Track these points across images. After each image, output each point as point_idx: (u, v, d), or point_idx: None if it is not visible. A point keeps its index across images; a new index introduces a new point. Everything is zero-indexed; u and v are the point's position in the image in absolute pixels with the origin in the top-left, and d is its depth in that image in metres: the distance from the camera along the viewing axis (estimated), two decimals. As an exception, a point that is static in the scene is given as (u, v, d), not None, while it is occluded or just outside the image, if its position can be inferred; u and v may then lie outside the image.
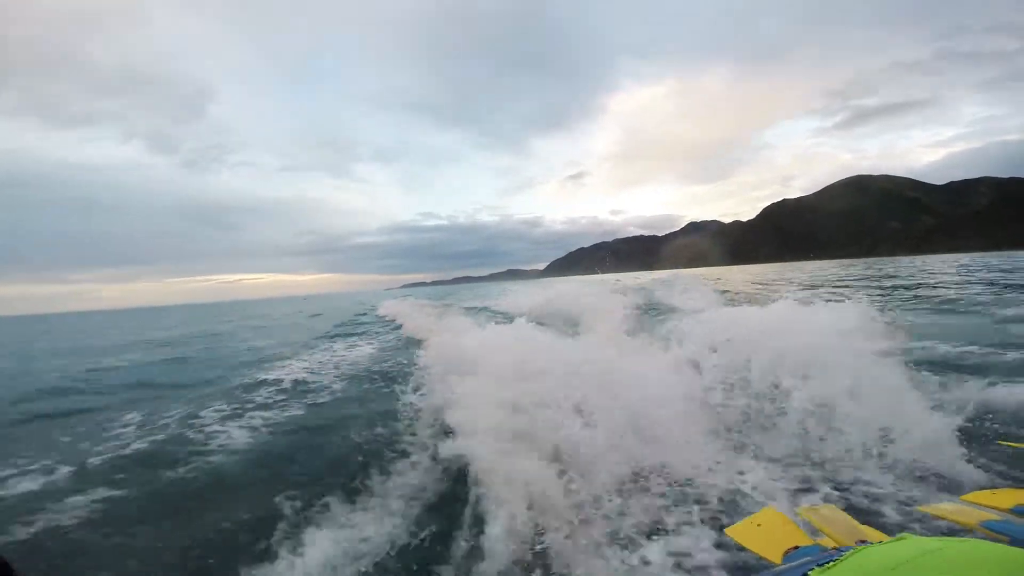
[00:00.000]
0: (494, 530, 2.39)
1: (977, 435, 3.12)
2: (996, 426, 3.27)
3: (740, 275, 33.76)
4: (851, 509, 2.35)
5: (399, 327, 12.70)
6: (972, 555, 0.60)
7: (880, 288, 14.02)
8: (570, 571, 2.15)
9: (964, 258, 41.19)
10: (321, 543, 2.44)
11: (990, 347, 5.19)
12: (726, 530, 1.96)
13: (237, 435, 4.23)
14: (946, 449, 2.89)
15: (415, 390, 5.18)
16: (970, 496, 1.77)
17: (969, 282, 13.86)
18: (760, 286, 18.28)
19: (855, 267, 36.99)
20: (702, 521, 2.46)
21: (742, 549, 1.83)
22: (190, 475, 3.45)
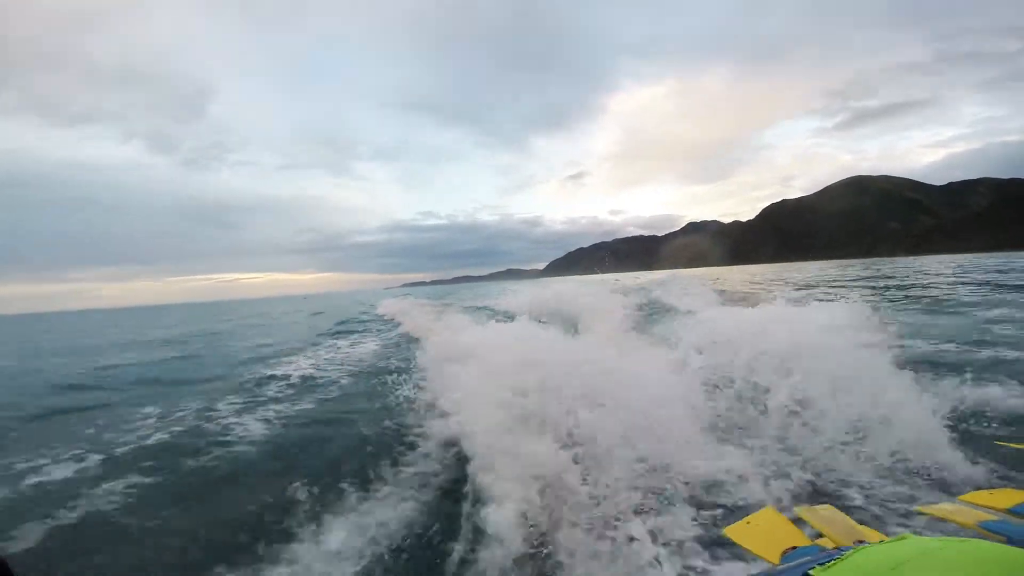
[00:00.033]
0: (502, 514, 2.49)
1: (974, 436, 3.14)
2: (986, 424, 3.34)
3: (738, 275, 33.96)
4: (849, 509, 2.36)
5: (400, 326, 12.89)
6: (973, 555, 0.60)
7: (873, 288, 14.25)
8: (565, 562, 2.21)
9: (961, 259, 41.34)
10: (340, 526, 2.62)
11: (966, 345, 5.42)
12: (724, 530, 1.96)
13: (253, 427, 4.46)
14: (943, 449, 2.91)
15: (418, 384, 5.38)
16: (967, 496, 1.77)
17: (963, 283, 14.07)
18: (757, 286, 18.49)
19: (853, 267, 37.21)
20: (699, 521, 2.47)
21: (740, 549, 1.83)
22: (212, 463, 3.67)
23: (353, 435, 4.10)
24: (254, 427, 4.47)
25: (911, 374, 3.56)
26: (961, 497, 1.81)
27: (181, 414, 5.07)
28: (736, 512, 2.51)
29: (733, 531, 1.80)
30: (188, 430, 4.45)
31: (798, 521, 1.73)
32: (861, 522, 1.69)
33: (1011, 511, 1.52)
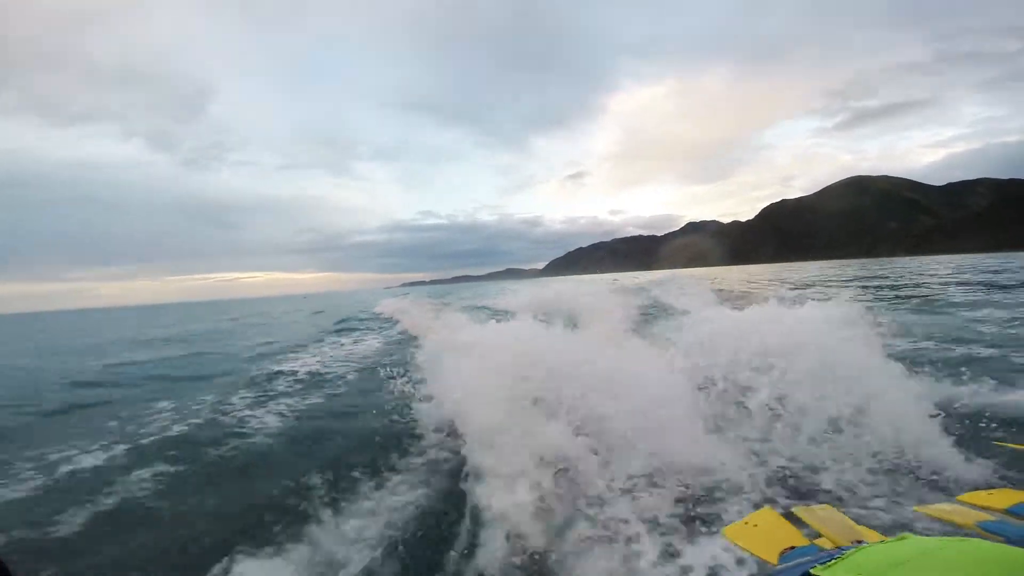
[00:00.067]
0: (513, 498, 2.65)
1: (972, 436, 3.17)
2: (968, 421, 3.35)
3: (737, 275, 34.19)
4: (846, 509, 2.35)
5: (400, 324, 13.10)
6: (973, 555, 0.60)
7: (865, 288, 14.50)
8: (567, 562, 2.26)
9: (960, 259, 41.51)
10: (356, 511, 2.81)
11: (945, 344, 5.66)
12: (722, 530, 1.94)
13: (267, 419, 4.70)
14: (941, 449, 2.92)
15: (419, 379, 5.54)
16: (966, 496, 1.77)
17: (957, 283, 14.31)
18: (753, 286, 18.73)
19: (851, 267, 37.43)
20: (697, 521, 2.49)
21: (739, 550, 1.82)
22: (231, 453, 3.91)
23: (362, 427, 4.34)
24: (268, 419, 4.71)
25: (906, 372, 3.57)
26: (959, 497, 1.79)
27: (197, 407, 5.31)
28: (734, 512, 2.52)
29: (731, 531, 1.79)
30: (206, 422, 4.68)
31: (796, 521, 1.71)
32: (859, 522, 1.70)
33: (1009, 511, 1.52)
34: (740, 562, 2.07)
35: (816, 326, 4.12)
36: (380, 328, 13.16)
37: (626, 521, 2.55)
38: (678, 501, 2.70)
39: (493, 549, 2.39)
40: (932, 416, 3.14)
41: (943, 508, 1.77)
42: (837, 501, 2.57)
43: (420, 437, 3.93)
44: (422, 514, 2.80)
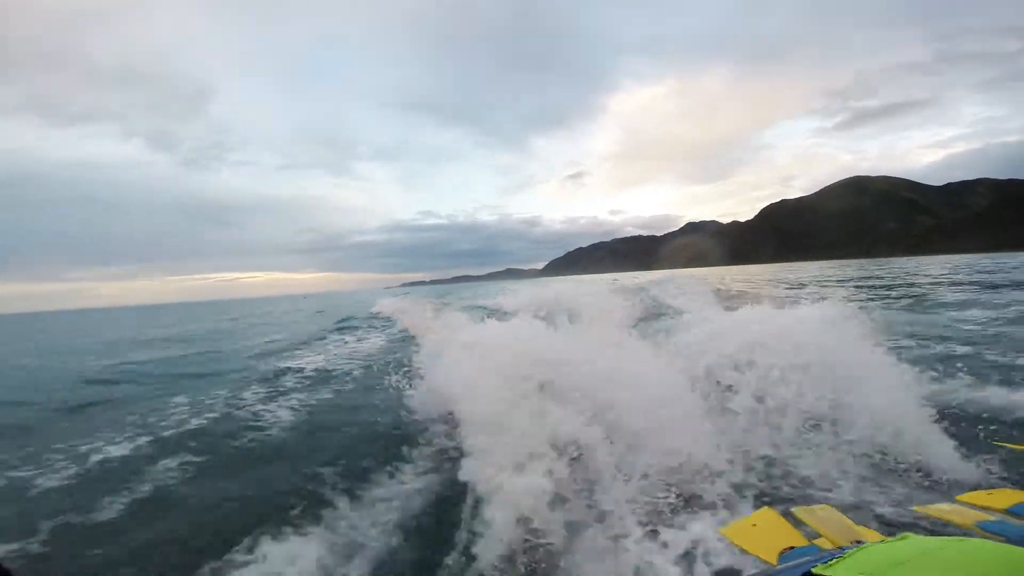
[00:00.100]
0: (523, 481, 2.75)
1: (973, 436, 3.19)
2: (953, 418, 3.38)
3: (736, 275, 34.40)
4: (845, 509, 2.39)
5: (400, 324, 13.28)
6: (973, 555, 0.61)
7: (861, 287, 14.73)
8: (564, 559, 2.31)
9: (958, 260, 41.68)
10: (369, 499, 2.99)
11: (925, 341, 5.87)
12: (721, 530, 1.95)
13: (280, 413, 4.92)
14: (941, 449, 2.94)
15: (421, 375, 5.70)
16: (965, 497, 1.79)
17: (950, 283, 14.53)
18: (751, 286, 18.95)
19: (849, 268, 37.65)
20: (697, 520, 2.49)
21: (738, 550, 1.83)
22: (249, 445, 4.13)
23: (370, 420, 4.57)
24: (281, 413, 4.94)
25: (905, 372, 3.56)
26: (959, 497, 1.81)
27: (211, 402, 5.53)
28: (734, 511, 2.55)
29: (730, 531, 1.81)
30: (222, 416, 4.91)
31: (796, 521, 1.71)
32: (859, 522, 1.71)
33: (1009, 511, 1.54)
34: (740, 562, 2.04)
35: (811, 326, 4.18)
36: (382, 327, 13.37)
37: (623, 517, 2.60)
38: (676, 498, 2.74)
39: (502, 532, 2.48)
40: (932, 416, 3.16)
41: (943, 508, 1.78)
42: (837, 501, 2.56)
43: (425, 429, 4.12)
44: (433, 499, 2.99)
